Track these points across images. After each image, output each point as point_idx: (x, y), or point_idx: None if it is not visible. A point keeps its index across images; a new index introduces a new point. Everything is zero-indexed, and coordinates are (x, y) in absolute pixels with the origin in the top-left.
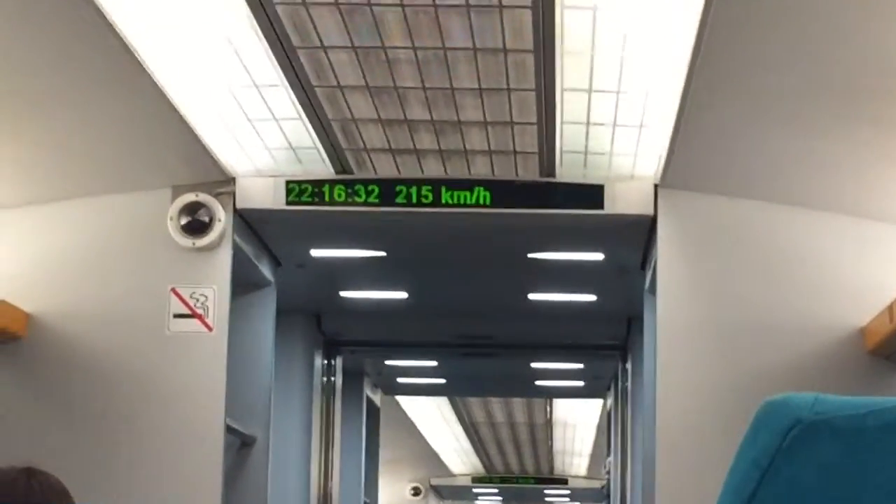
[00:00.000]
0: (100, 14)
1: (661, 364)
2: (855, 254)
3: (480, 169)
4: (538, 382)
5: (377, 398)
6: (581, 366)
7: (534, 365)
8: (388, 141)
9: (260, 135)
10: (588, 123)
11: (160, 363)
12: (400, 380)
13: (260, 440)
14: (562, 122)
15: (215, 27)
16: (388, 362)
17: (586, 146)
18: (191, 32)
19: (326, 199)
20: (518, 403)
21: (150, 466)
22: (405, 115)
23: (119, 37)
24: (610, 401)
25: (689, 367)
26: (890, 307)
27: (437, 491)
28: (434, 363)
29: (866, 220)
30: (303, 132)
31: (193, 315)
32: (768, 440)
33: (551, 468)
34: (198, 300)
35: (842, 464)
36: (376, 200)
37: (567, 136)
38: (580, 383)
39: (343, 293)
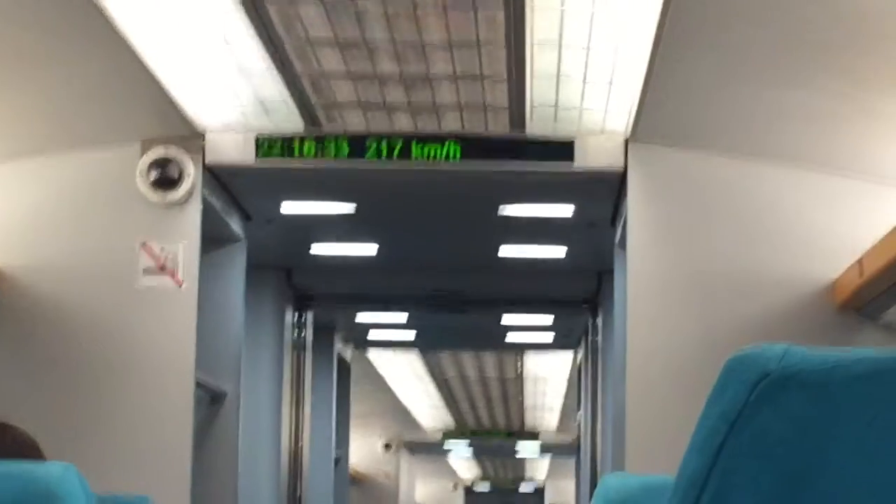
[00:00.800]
0: None
1: (631, 318)
2: (826, 208)
3: (450, 123)
4: (509, 337)
5: (348, 354)
6: (551, 319)
7: (504, 319)
8: (358, 95)
9: (230, 89)
10: (558, 77)
11: (130, 318)
12: (371, 335)
13: (230, 395)
14: (532, 77)
15: None
16: (358, 317)
17: (556, 100)
18: None
19: (296, 153)
20: (489, 358)
21: (120, 421)
22: (375, 70)
23: None
24: (580, 355)
25: (658, 320)
26: (860, 261)
27: (409, 447)
28: (404, 317)
29: (838, 175)
30: (272, 87)
31: (163, 271)
32: (736, 393)
33: (522, 423)
34: (167, 255)
35: (810, 416)
36: (346, 155)
37: (537, 90)
38: (550, 337)
39: (314, 248)
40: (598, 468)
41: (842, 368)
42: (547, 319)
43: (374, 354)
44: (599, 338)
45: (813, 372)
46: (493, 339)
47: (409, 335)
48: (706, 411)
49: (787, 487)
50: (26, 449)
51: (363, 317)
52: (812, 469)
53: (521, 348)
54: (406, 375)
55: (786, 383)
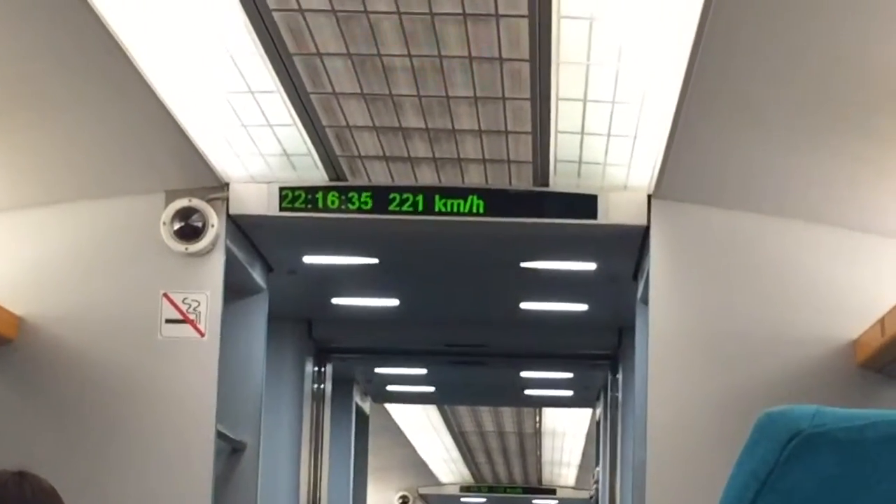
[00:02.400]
0: (96, 18)
1: (652, 374)
2: (847, 266)
3: (474, 177)
4: (527, 391)
5: (367, 406)
6: (571, 375)
7: (523, 374)
8: (383, 148)
9: (254, 141)
10: (582, 133)
11: (152, 368)
12: (390, 388)
13: (250, 446)
14: (556, 132)
15: (212, 33)
16: (378, 370)
17: (580, 156)
18: (187, 38)
19: (320, 205)
20: (507, 413)
21: (140, 472)
22: (400, 123)
23: (115, 41)
24: (599, 410)
25: (680, 377)
26: (881, 320)
27: (426, 499)
28: (424, 371)
29: (859, 233)
30: (297, 139)
31: (185, 320)
32: (768, 451)
33: (539, 478)
34: (190, 305)
35: (841, 476)
36: (369, 207)
37: (561, 145)
38: (569, 393)
39: (335, 300)
40: None
41: (873, 428)
42: (566, 374)
43: (392, 407)
44: (619, 394)
45: (844, 431)
46: (512, 394)
47: (429, 389)
48: (737, 469)
49: None
50: (45, 497)
51: (382, 370)
52: None
53: (541, 403)
54: (424, 428)
55: (817, 442)
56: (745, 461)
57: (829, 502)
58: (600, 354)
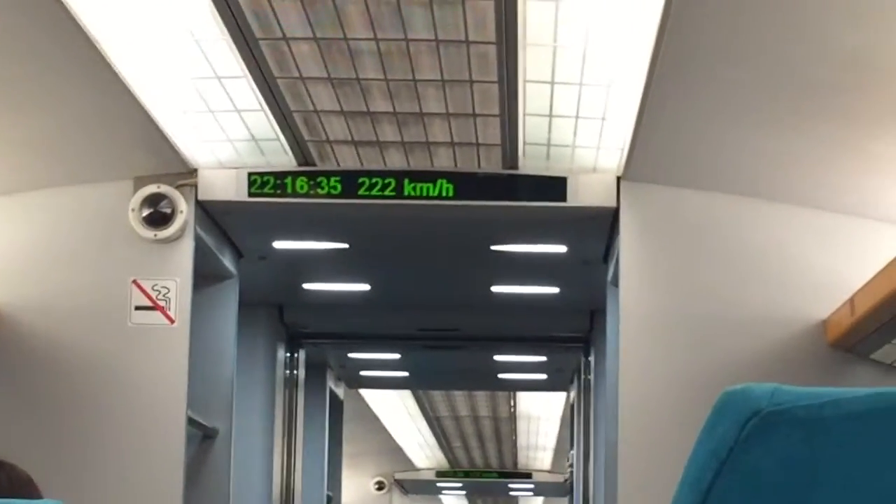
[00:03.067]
0: (61, 5)
1: (623, 356)
2: (817, 246)
3: (443, 161)
4: (501, 375)
5: (340, 391)
6: (544, 359)
7: (497, 358)
8: (351, 133)
9: (222, 126)
10: (551, 115)
11: (122, 355)
12: (363, 373)
13: (222, 433)
14: (524, 115)
15: (177, 18)
16: (350, 355)
17: (549, 138)
18: (153, 23)
19: (289, 190)
20: (482, 397)
21: (112, 458)
22: (368, 107)
23: (80, 27)
24: (573, 394)
25: (651, 358)
26: (851, 300)
27: (402, 485)
28: (397, 356)
29: (828, 213)
30: (265, 124)
31: (155, 307)
32: (727, 431)
33: (515, 462)
34: (160, 292)
35: (800, 454)
36: (339, 192)
37: (530, 128)
38: (543, 376)
39: (306, 285)
40: None
41: (831, 406)
42: (539, 358)
43: (367, 392)
44: (592, 376)
45: (803, 409)
46: (486, 378)
47: (402, 374)
48: (696, 449)
49: None
50: (21, 486)
51: (356, 355)
52: None
53: (515, 387)
54: (399, 414)
55: (776, 421)
56: (705, 440)
57: (789, 480)
58: (573, 337)
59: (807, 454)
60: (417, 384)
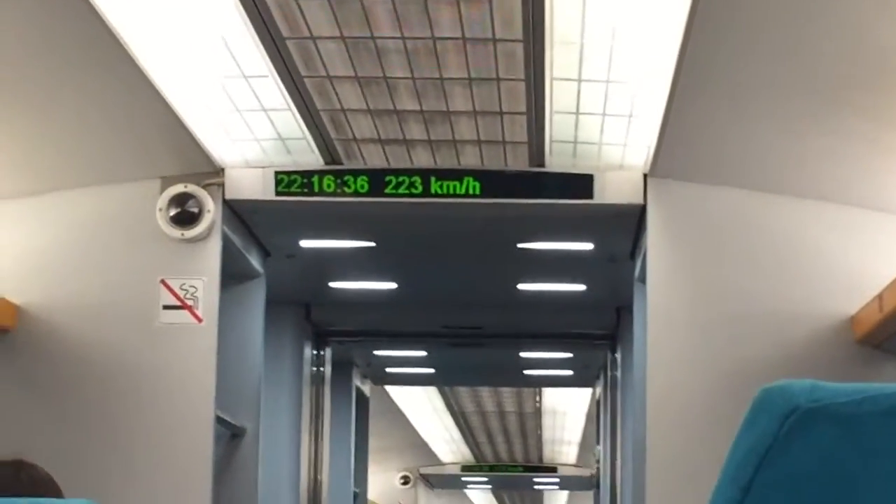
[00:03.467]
0: (89, 5)
1: (651, 352)
2: (844, 242)
3: (470, 159)
4: (527, 372)
5: (366, 388)
6: (570, 355)
7: (523, 354)
8: (378, 131)
9: (249, 125)
10: (577, 113)
11: (150, 355)
12: (389, 370)
13: (250, 431)
14: (551, 112)
15: (204, 18)
16: (377, 352)
17: (576, 136)
18: (180, 23)
19: (316, 189)
20: (507, 392)
21: (140, 458)
22: (394, 106)
23: (108, 28)
24: (599, 390)
25: (678, 355)
26: (879, 296)
27: (427, 479)
28: (423, 353)
29: (855, 209)
30: (292, 123)
31: (183, 306)
32: (766, 427)
33: (540, 456)
34: (187, 291)
35: (839, 450)
36: (366, 191)
37: (557, 125)
38: (569, 372)
39: (332, 284)
40: (618, 502)
41: (870, 402)
42: (565, 355)
43: (392, 388)
44: (619, 372)
45: (842, 405)
46: (512, 374)
47: (428, 371)
48: (735, 445)
49: None
50: (41, 486)
51: (382, 352)
52: (842, 502)
53: (540, 383)
54: (425, 409)
55: (815, 417)
56: (744, 437)
57: (829, 477)
58: (599, 334)
59: (846, 450)
60: (443, 381)
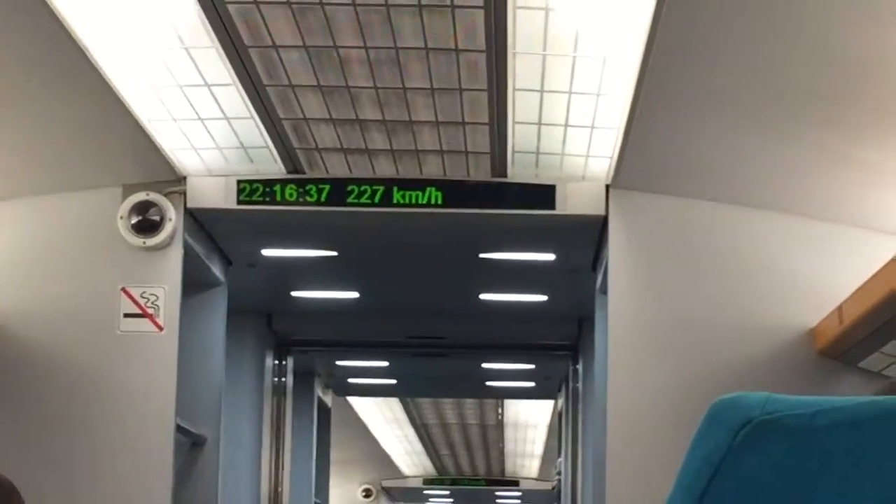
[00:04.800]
0: (50, 12)
1: (611, 364)
2: (806, 255)
3: (432, 169)
4: (489, 383)
5: (328, 399)
6: (532, 366)
7: (485, 365)
8: (340, 140)
9: (211, 134)
10: (540, 123)
11: (111, 363)
12: (351, 380)
13: (210, 440)
14: (513, 122)
15: (167, 26)
16: (339, 363)
17: (538, 146)
18: (142, 31)
19: (278, 198)
20: (469, 405)
21: (100, 466)
22: (357, 115)
23: (69, 35)
24: (561, 402)
25: (639, 367)
26: (839, 308)
27: (389, 492)
28: (385, 364)
29: (817, 221)
30: (254, 131)
31: (144, 315)
32: (719, 438)
33: (503, 470)
34: (148, 300)
35: (792, 462)
36: (327, 200)
37: (519, 136)
38: (531, 384)
39: (294, 293)
40: None
41: (823, 415)
42: (527, 366)
43: (354, 400)
44: (580, 384)
45: (794, 417)
46: (474, 385)
47: (390, 382)
48: (689, 456)
49: None
50: (4, 495)
51: (344, 363)
52: None
53: (502, 394)
54: (387, 421)
55: (768, 429)
56: (697, 448)
57: (782, 489)
58: (561, 345)
59: (799, 462)
60: (405, 392)
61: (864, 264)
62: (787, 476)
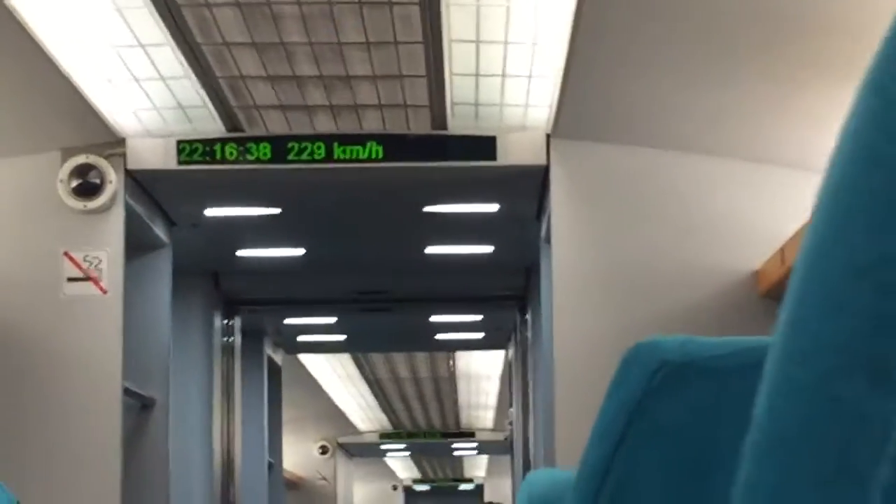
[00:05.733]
0: None
1: (556, 312)
2: (747, 198)
3: (372, 123)
4: (439, 336)
5: (278, 357)
6: (480, 318)
7: (433, 318)
8: (278, 97)
9: (148, 95)
10: (477, 75)
11: (55, 328)
12: (300, 338)
13: (159, 402)
14: (451, 74)
15: None
16: (287, 321)
17: (477, 97)
18: None
19: (218, 157)
20: (421, 358)
21: (48, 431)
22: (293, 71)
23: None
24: (511, 352)
25: (584, 313)
26: (782, 250)
27: (346, 449)
28: (333, 320)
29: (757, 164)
30: (191, 91)
31: (88, 278)
32: (636, 382)
33: (458, 422)
34: (91, 263)
35: (708, 403)
36: (268, 158)
37: (457, 87)
38: (481, 335)
39: (240, 252)
40: (532, 464)
41: (738, 356)
42: (476, 317)
43: (305, 357)
44: (529, 334)
45: (710, 359)
46: (424, 339)
47: (340, 338)
48: (606, 401)
49: (688, 474)
50: None
51: (292, 320)
52: (712, 455)
53: (452, 347)
54: (339, 378)
55: (684, 372)
56: (614, 392)
57: (698, 430)
58: (509, 296)
59: (713, 404)
60: (355, 347)
61: (806, 206)
62: (704, 416)
